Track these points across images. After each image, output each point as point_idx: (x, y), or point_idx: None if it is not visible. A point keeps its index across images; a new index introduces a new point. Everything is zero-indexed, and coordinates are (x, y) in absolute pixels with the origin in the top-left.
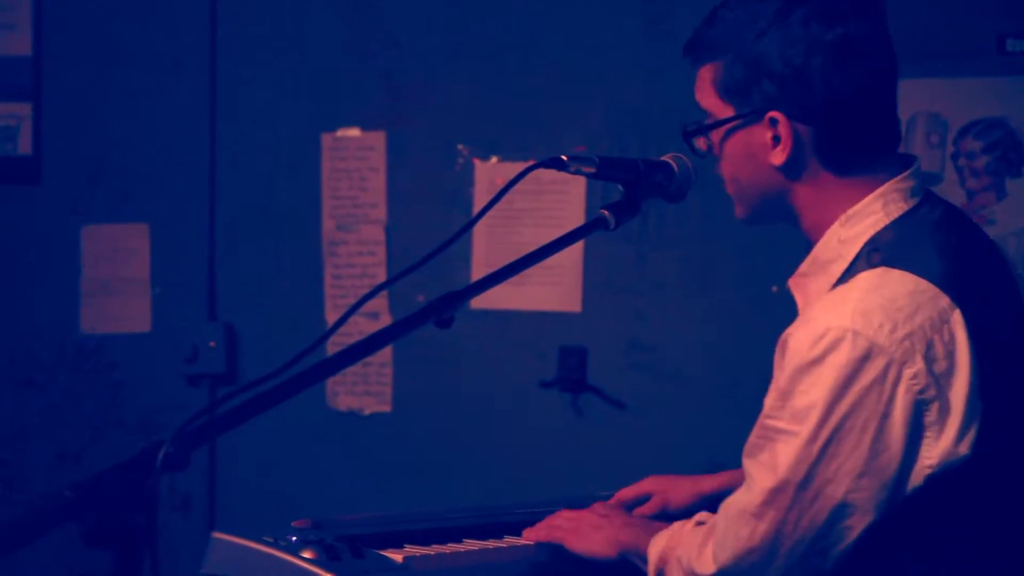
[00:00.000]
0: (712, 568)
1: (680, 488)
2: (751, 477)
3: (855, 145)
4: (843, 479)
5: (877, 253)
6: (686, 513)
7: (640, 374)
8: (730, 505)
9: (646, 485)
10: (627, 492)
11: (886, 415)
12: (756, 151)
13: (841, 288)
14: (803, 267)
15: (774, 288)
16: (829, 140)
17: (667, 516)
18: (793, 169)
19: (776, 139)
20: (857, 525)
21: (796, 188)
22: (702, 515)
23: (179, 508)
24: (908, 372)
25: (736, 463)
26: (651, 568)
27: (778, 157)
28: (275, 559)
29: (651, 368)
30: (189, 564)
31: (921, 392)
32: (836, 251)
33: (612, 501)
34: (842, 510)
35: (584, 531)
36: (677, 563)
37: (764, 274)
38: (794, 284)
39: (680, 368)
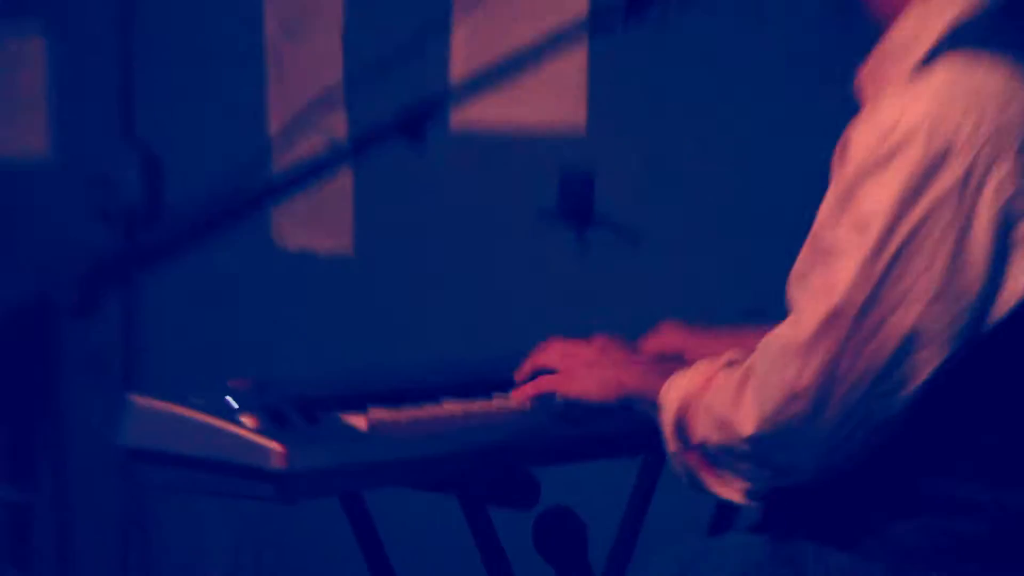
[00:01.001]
0: (753, 420)
1: (714, 344)
2: (797, 306)
3: None
4: (913, 303)
5: (965, 34)
6: None
7: (659, 201)
8: (771, 341)
9: (668, 339)
10: (643, 345)
11: (966, 228)
12: None
13: (918, 75)
14: (876, 53)
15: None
16: None
17: None
18: None
19: None
20: (929, 361)
21: None
22: (732, 353)
23: (88, 368)
24: (994, 177)
25: (780, 312)
26: (667, 417)
27: None
28: (207, 427)
29: (673, 193)
30: (101, 435)
31: (1010, 201)
32: (914, 33)
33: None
34: (911, 341)
35: (577, 371)
36: (706, 413)
37: (811, 78)
38: (866, 75)
39: (708, 191)
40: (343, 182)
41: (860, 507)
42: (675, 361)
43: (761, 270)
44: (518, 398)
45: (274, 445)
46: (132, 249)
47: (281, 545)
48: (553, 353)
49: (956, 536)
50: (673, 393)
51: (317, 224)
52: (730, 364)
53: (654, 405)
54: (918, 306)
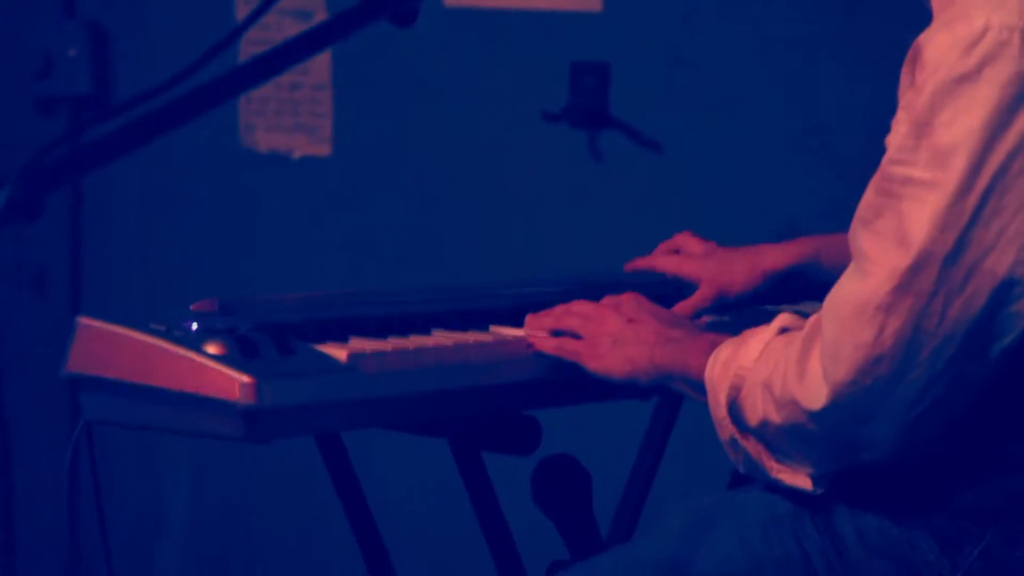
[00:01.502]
0: (824, 391)
1: (735, 266)
2: (867, 257)
3: None
4: (1009, 245)
5: None
6: (750, 301)
7: (684, 102)
8: (840, 299)
9: (686, 266)
10: (656, 263)
11: None
12: None
13: None
14: None
15: None
16: None
17: (723, 306)
18: None
19: None
20: None
21: None
22: (785, 318)
23: (30, 284)
24: None
25: (821, 227)
26: (716, 397)
27: None
28: (165, 353)
29: (700, 93)
30: (45, 361)
31: None
32: None
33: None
34: (1008, 289)
35: (603, 346)
36: (764, 390)
37: None
38: None
39: (742, 92)
40: (319, 70)
41: (914, 471)
42: (717, 329)
43: (796, 183)
44: (534, 346)
45: (243, 376)
46: (79, 142)
47: (248, 489)
48: (576, 316)
49: (1013, 494)
50: (720, 370)
51: (290, 120)
52: (784, 331)
53: (698, 386)
54: (1016, 246)
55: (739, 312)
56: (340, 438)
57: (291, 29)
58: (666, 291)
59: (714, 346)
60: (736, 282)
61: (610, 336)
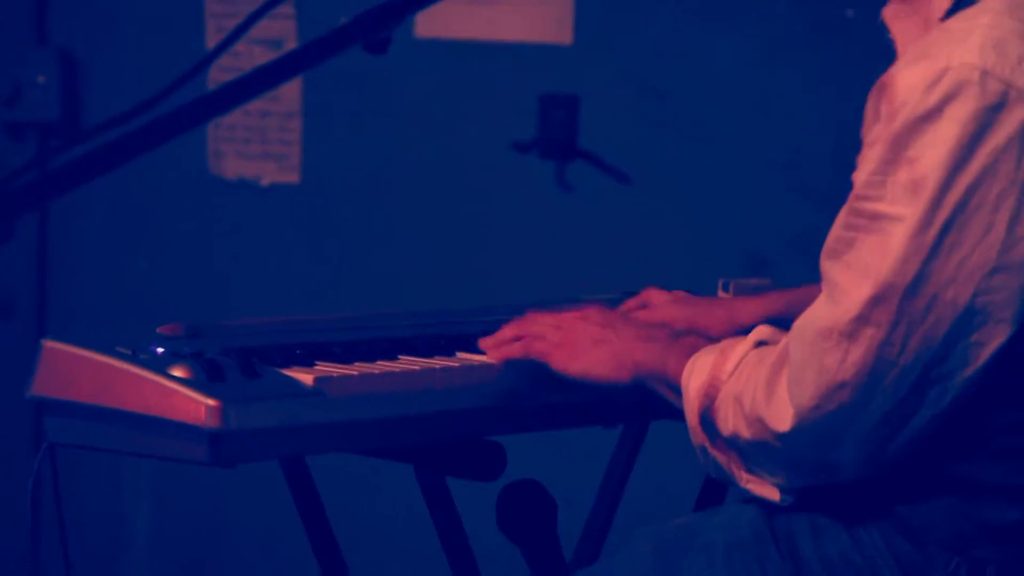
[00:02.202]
0: (789, 415)
1: (713, 314)
2: (836, 285)
3: None
4: (969, 277)
5: None
6: None
7: (653, 134)
8: (807, 325)
9: (662, 312)
10: (633, 313)
11: None
12: None
13: (965, 13)
14: None
15: (849, 12)
16: None
17: None
18: None
19: None
20: (989, 341)
21: None
22: (763, 331)
23: None
24: None
25: (787, 260)
26: (691, 404)
27: None
28: (130, 377)
29: (667, 124)
30: (11, 384)
31: None
32: None
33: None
34: (968, 319)
35: (579, 344)
36: (735, 404)
37: None
38: (891, 14)
39: (709, 123)
40: (290, 98)
41: (873, 487)
42: (694, 335)
43: (763, 213)
44: (497, 356)
45: (208, 400)
46: (47, 168)
47: (212, 508)
48: (543, 323)
49: (980, 523)
50: (697, 378)
51: (259, 147)
52: (759, 344)
53: (677, 388)
54: (976, 278)
55: None
56: (304, 462)
57: (262, 57)
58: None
59: (694, 350)
60: (713, 328)
61: (588, 338)
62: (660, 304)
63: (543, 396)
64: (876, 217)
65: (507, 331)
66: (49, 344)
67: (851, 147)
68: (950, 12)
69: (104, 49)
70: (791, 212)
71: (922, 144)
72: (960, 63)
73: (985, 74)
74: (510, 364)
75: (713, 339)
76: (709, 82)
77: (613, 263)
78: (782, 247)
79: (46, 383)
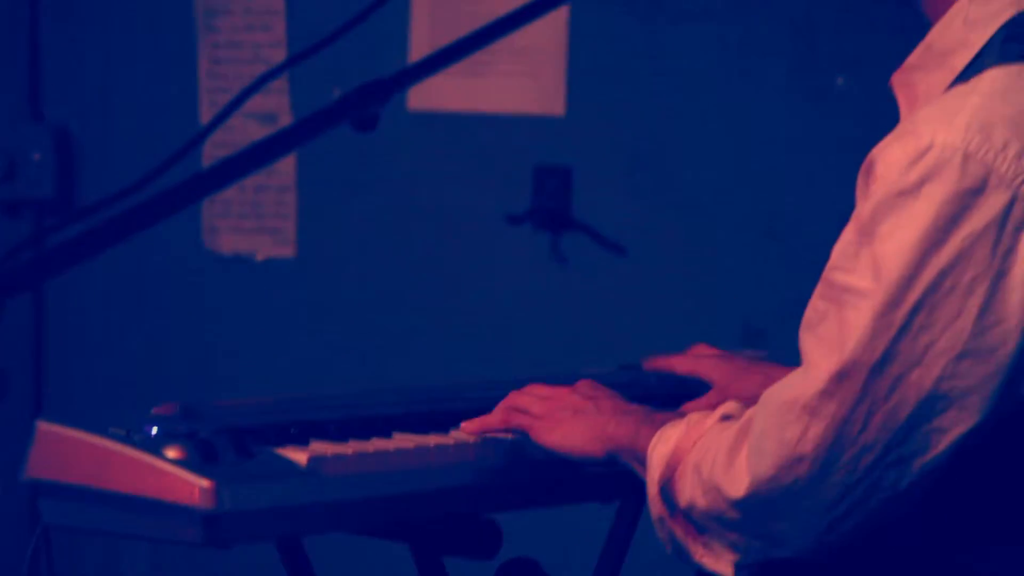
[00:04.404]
0: (745, 482)
1: (750, 378)
2: (808, 358)
3: None
4: (936, 361)
5: (1016, 43)
6: None
7: (646, 204)
8: (774, 395)
9: (704, 365)
10: (673, 363)
11: (1002, 273)
12: None
13: (957, 89)
14: (913, 57)
15: (840, 80)
16: None
17: None
18: None
19: None
20: (952, 428)
21: None
22: (729, 406)
23: None
24: None
25: (782, 329)
26: (652, 473)
27: None
28: (125, 458)
29: (662, 196)
30: (5, 465)
31: None
32: (959, 36)
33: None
34: (931, 405)
35: (559, 418)
36: (694, 472)
37: (826, 60)
38: (899, 82)
39: (702, 195)
40: (285, 172)
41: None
42: (670, 410)
43: (759, 285)
44: (473, 429)
45: (202, 481)
46: (43, 246)
47: None
48: (530, 396)
49: None
50: (661, 449)
51: (254, 222)
52: (725, 418)
53: (641, 461)
54: (942, 363)
55: None
56: (300, 542)
57: (256, 131)
58: (633, 391)
59: (662, 424)
60: (745, 394)
61: (569, 408)
62: (702, 356)
63: (523, 473)
64: (847, 291)
65: (498, 408)
66: (44, 426)
67: (846, 218)
68: (951, 86)
69: (99, 125)
70: (789, 283)
71: (896, 221)
72: (943, 143)
73: (967, 157)
74: (498, 442)
75: (746, 402)
76: (702, 153)
77: (609, 335)
78: (780, 318)
79: (41, 465)
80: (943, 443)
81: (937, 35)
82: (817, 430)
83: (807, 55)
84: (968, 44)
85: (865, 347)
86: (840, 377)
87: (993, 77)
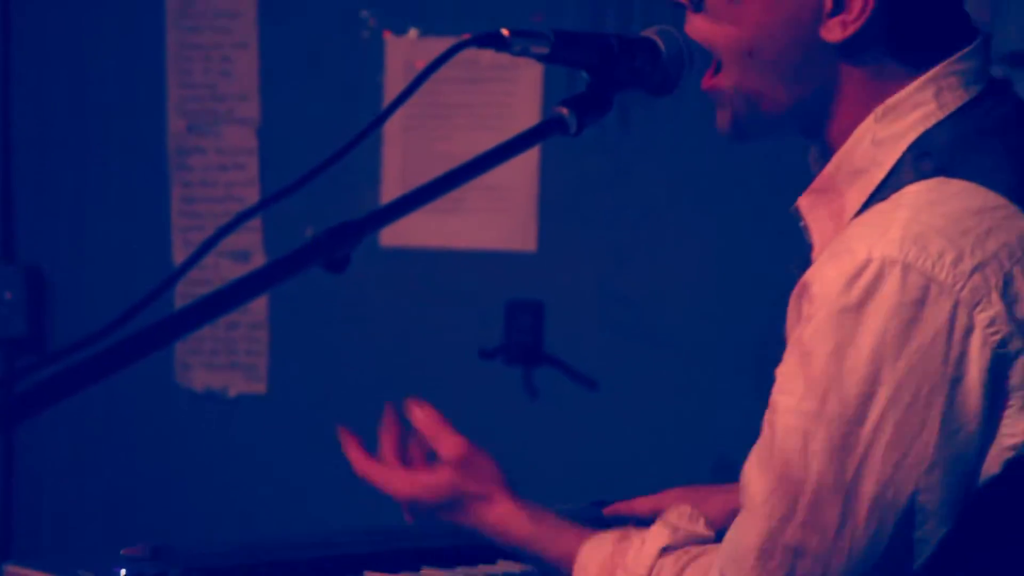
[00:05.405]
0: None
1: (712, 502)
2: (755, 498)
3: (921, 9)
4: (904, 480)
5: (928, 159)
6: (720, 536)
7: (617, 338)
8: (727, 543)
9: (667, 498)
10: (635, 506)
11: (957, 379)
12: (802, 16)
13: (880, 206)
14: (817, 182)
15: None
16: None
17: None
18: (854, 48)
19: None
20: (932, 537)
21: (847, 77)
22: (665, 536)
23: None
24: (983, 318)
25: None
26: None
27: (836, 31)
28: None
29: (632, 330)
30: None
31: (1003, 344)
32: (869, 156)
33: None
34: (904, 523)
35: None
36: None
37: (787, 194)
38: (805, 205)
39: (672, 329)
40: (257, 309)
41: None
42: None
43: (734, 419)
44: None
45: None
46: (13, 386)
47: None
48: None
49: None
50: (595, 568)
51: (226, 358)
52: (665, 551)
53: (567, 568)
54: (909, 483)
55: None
56: None
57: (229, 270)
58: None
59: (582, 536)
60: (711, 514)
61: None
62: (666, 492)
63: None
64: (795, 427)
65: None
66: (11, 569)
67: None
68: (862, 209)
69: (71, 265)
70: (757, 416)
71: (841, 339)
72: (881, 256)
73: (907, 268)
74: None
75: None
76: (673, 287)
77: (582, 469)
78: (748, 452)
79: None
80: (921, 556)
81: (845, 156)
82: (805, 565)
83: (772, 189)
84: (879, 163)
85: (824, 472)
86: (788, 515)
87: (916, 191)
